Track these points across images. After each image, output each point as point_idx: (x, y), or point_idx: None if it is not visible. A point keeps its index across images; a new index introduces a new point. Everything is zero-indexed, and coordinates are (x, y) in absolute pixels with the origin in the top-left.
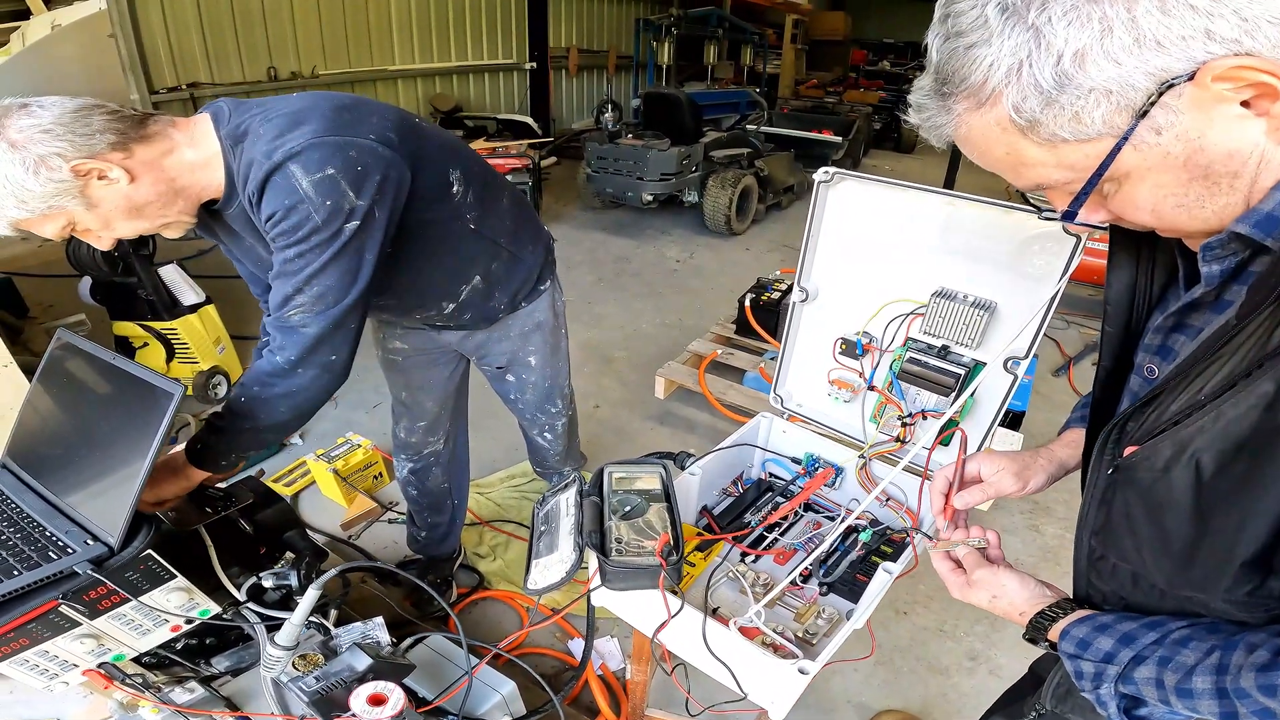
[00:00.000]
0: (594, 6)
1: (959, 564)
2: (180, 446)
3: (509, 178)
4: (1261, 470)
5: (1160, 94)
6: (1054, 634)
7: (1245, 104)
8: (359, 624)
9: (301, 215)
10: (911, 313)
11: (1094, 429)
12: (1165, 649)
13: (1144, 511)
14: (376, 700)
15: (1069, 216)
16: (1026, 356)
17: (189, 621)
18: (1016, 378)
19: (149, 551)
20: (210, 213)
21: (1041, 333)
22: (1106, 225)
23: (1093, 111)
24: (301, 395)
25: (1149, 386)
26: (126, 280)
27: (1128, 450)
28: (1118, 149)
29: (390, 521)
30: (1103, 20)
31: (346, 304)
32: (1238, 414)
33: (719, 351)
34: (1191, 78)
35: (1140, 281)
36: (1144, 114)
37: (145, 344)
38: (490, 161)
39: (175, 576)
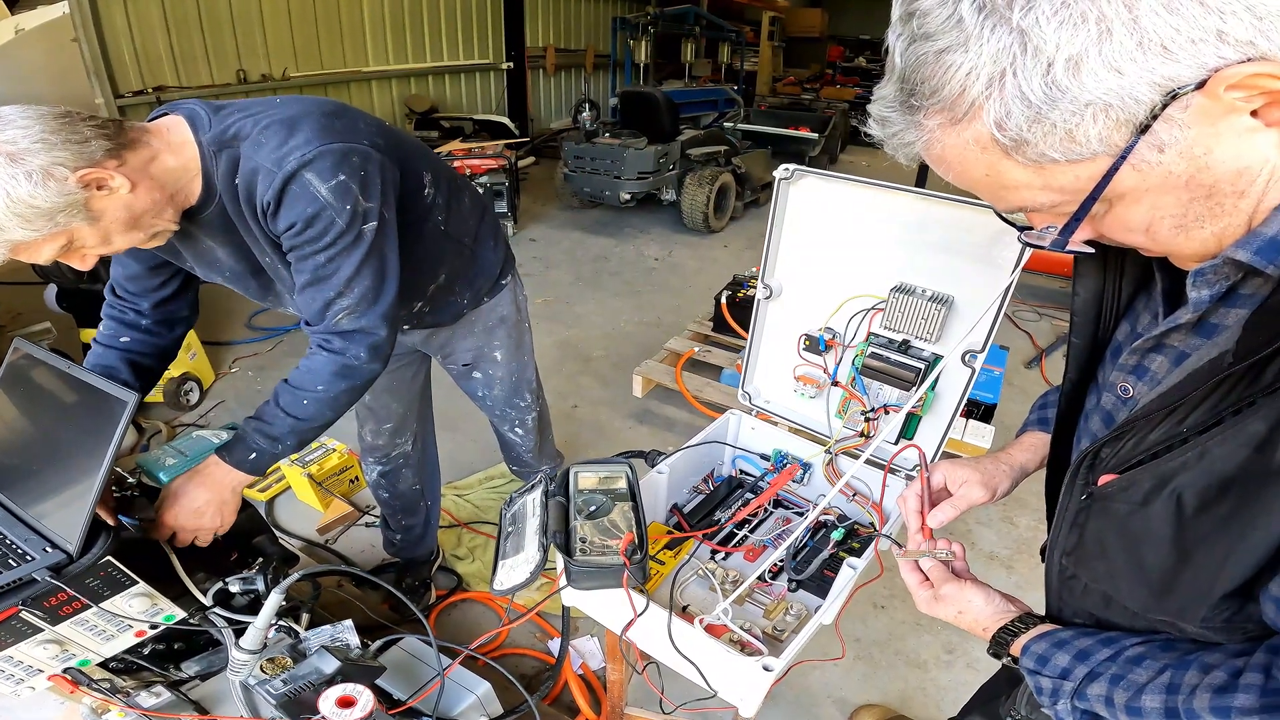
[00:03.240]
0: (571, 6)
1: (926, 575)
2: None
3: (486, 179)
4: (1248, 511)
5: (1164, 106)
6: (1015, 649)
7: (1254, 114)
8: (328, 627)
9: (326, 221)
10: (872, 308)
11: (1059, 440)
12: (1119, 666)
13: (1119, 540)
14: (345, 702)
15: (1059, 246)
16: (983, 350)
17: (153, 627)
18: (974, 371)
19: (108, 558)
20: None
21: (997, 325)
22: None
23: (1088, 129)
24: (361, 388)
25: (1123, 406)
26: (93, 287)
27: (1104, 479)
28: (1114, 170)
29: (368, 525)
30: (1100, 20)
31: (390, 300)
32: (1224, 452)
33: (696, 349)
34: (1200, 86)
35: (1108, 291)
36: (1145, 129)
37: None
38: (467, 162)
39: (136, 583)
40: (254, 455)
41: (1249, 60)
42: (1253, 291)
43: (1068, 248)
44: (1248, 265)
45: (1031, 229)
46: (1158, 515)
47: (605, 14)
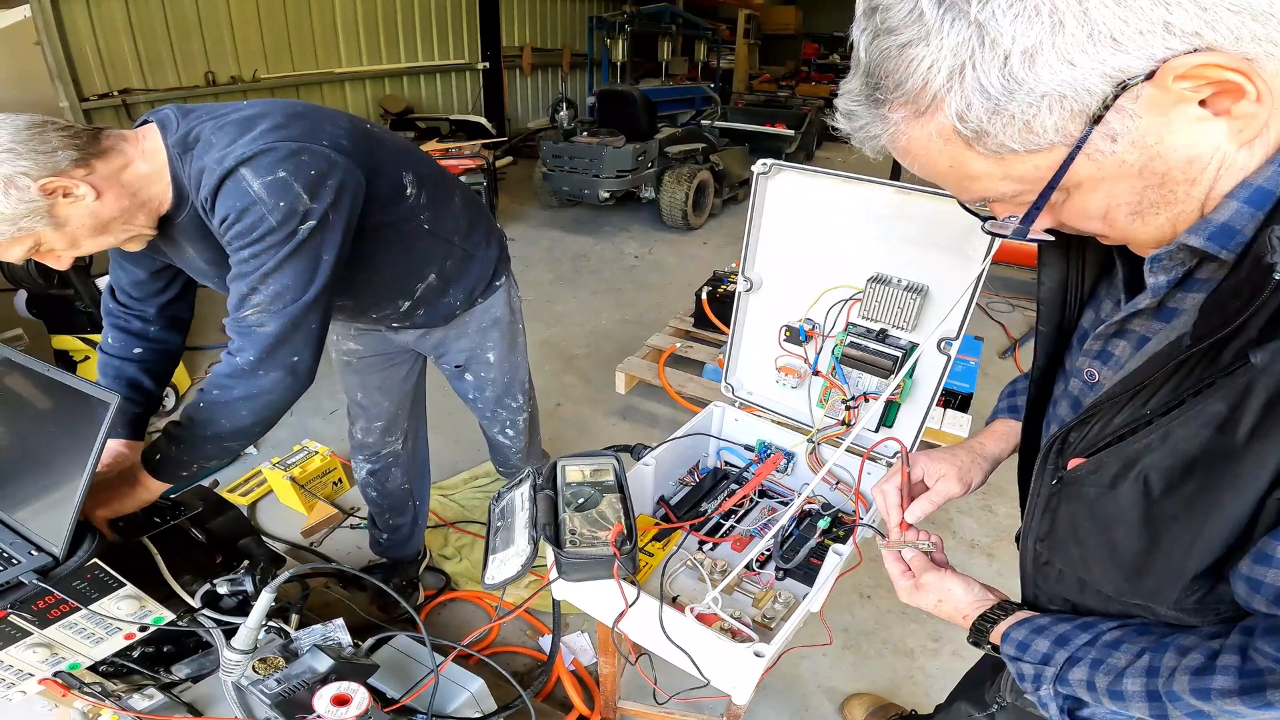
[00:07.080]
0: (547, 5)
1: (909, 565)
2: (122, 454)
3: (463, 178)
4: (1213, 490)
5: (1116, 97)
6: (995, 637)
7: (1202, 103)
8: (319, 626)
9: (255, 217)
10: (850, 298)
11: (1030, 427)
12: (1097, 651)
13: (1091, 524)
14: (340, 700)
15: (1020, 234)
16: (957, 337)
17: (142, 629)
18: (950, 357)
19: (95, 560)
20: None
21: (970, 313)
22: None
23: (1045, 119)
24: (263, 398)
25: (1089, 391)
26: (63, 293)
27: (1072, 463)
28: (1071, 159)
29: (353, 527)
30: (1052, 13)
31: (304, 302)
32: (1187, 433)
33: (678, 345)
34: (1150, 77)
35: (1071, 279)
36: (1098, 119)
37: (86, 358)
38: (444, 163)
39: (124, 585)
40: (158, 456)
41: (1196, 51)
42: (1208, 276)
43: (1029, 236)
44: (1201, 250)
45: (994, 218)
46: (1126, 497)
47: (581, 13)
